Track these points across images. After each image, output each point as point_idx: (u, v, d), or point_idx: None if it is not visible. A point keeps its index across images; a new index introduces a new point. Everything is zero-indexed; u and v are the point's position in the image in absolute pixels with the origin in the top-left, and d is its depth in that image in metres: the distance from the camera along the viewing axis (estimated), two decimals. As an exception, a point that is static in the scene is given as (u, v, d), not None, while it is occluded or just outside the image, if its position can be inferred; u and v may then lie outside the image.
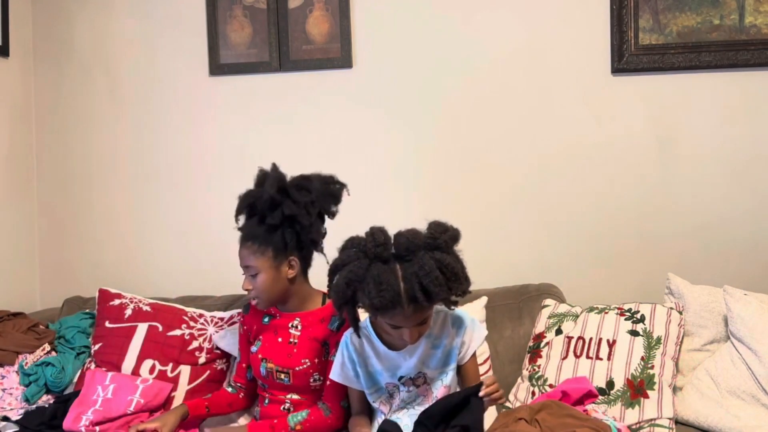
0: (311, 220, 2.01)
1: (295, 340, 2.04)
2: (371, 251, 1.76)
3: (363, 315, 1.96)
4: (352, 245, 1.81)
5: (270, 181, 2.00)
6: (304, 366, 2.02)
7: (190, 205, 2.96)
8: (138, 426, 1.98)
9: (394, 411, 1.96)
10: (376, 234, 1.79)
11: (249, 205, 2.03)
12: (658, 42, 2.66)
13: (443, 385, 1.94)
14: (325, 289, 2.10)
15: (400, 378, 1.93)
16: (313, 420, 1.99)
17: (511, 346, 2.43)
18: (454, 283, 1.78)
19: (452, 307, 1.87)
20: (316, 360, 2.03)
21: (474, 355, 1.97)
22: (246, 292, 2.05)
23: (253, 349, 2.10)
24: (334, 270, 1.83)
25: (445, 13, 2.78)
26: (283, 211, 1.98)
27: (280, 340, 2.06)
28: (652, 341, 2.21)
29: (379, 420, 1.97)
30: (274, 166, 2.05)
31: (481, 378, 1.74)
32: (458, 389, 2.01)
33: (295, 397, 2.05)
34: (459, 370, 1.97)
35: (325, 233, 2.07)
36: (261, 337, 2.10)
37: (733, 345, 2.19)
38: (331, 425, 2.01)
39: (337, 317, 2.04)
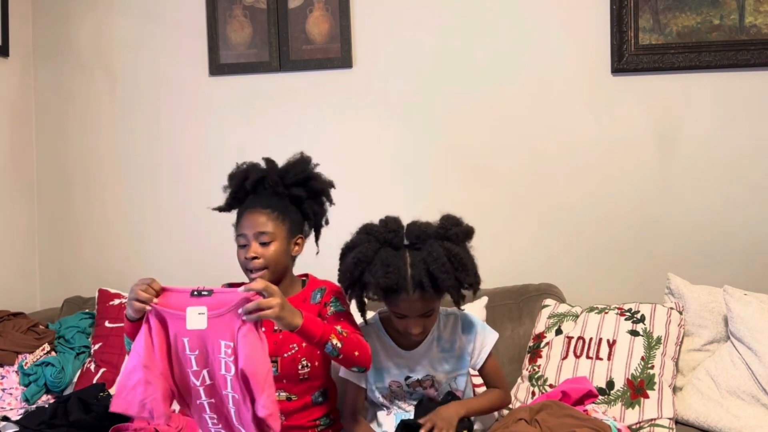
0: (331, 201, 2.04)
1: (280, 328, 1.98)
2: (382, 236, 1.81)
3: (370, 313, 1.97)
4: (365, 230, 1.86)
5: (302, 158, 2.02)
6: (292, 351, 1.96)
7: (190, 204, 2.96)
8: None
9: (399, 406, 1.97)
10: (390, 221, 1.85)
11: (259, 178, 1.98)
12: (658, 42, 2.66)
13: (455, 390, 1.95)
14: (302, 272, 2.08)
15: (407, 379, 1.93)
16: (354, 335, 1.86)
17: (511, 346, 2.43)
18: (461, 273, 1.78)
19: (461, 303, 1.86)
20: (304, 344, 1.95)
21: (491, 356, 1.97)
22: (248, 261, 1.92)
23: None
24: (345, 251, 1.87)
25: (444, 12, 2.78)
26: (312, 186, 2.00)
27: (263, 329, 1.98)
28: (652, 341, 2.21)
29: (379, 415, 1.98)
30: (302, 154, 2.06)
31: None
32: (473, 395, 2.04)
33: (283, 394, 1.98)
34: (480, 373, 1.99)
35: (328, 222, 2.06)
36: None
37: (733, 345, 2.19)
38: (366, 347, 1.84)
39: (318, 291, 2.00)
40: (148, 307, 1.65)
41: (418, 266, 1.76)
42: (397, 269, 1.75)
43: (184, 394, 1.71)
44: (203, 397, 1.70)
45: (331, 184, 2.05)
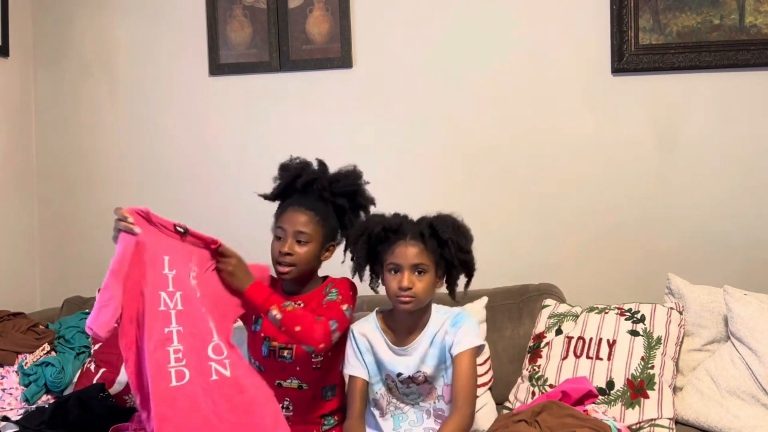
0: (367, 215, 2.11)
1: None
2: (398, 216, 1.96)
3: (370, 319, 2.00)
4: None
5: (354, 171, 2.10)
6: None
7: (189, 204, 2.95)
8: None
9: (396, 406, 1.98)
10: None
11: (310, 180, 2.04)
12: (658, 42, 2.66)
13: (446, 384, 1.95)
14: (325, 274, 2.12)
15: (399, 375, 1.95)
16: (306, 314, 1.91)
17: (511, 346, 2.43)
18: (460, 237, 1.89)
19: (458, 273, 1.93)
20: None
21: (467, 356, 1.89)
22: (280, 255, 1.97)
23: (256, 327, 2.06)
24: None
25: (445, 12, 2.78)
26: (357, 200, 2.07)
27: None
28: (652, 341, 2.21)
29: (377, 415, 1.98)
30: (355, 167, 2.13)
31: None
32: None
33: (295, 382, 2.00)
34: (453, 370, 1.92)
35: None
36: (262, 316, 2.01)
37: (733, 345, 2.19)
38: (315, 328, 1.87)
39: (329, 285, 2.04)
40: (136, 230, 1.79)
41: (422, 222, 1.90)
42: (403, 217, 1.92)
43: (149, 325, 1.68)
44: (173, 324, 1.70)
45: (372, 202, 2.11)
